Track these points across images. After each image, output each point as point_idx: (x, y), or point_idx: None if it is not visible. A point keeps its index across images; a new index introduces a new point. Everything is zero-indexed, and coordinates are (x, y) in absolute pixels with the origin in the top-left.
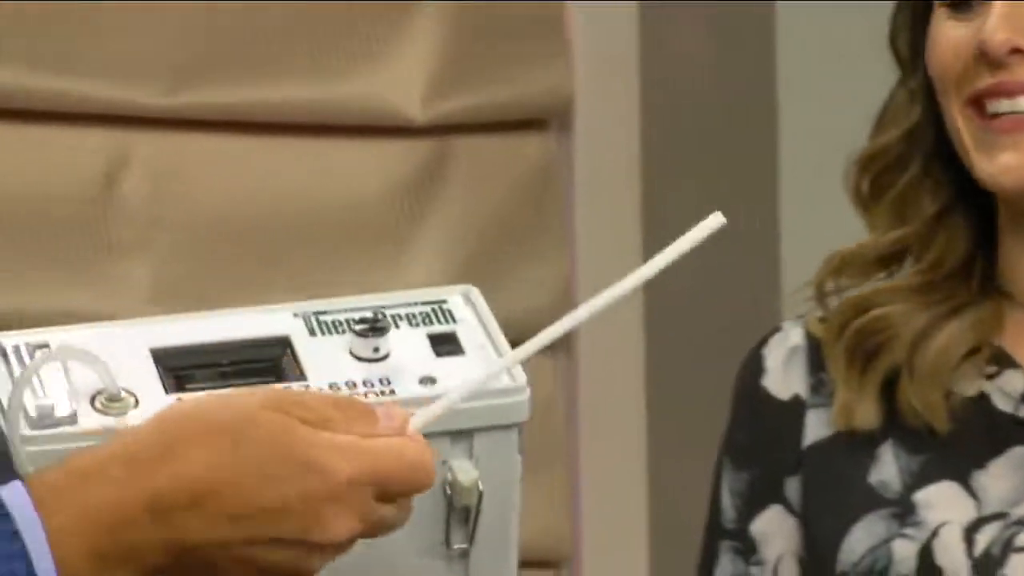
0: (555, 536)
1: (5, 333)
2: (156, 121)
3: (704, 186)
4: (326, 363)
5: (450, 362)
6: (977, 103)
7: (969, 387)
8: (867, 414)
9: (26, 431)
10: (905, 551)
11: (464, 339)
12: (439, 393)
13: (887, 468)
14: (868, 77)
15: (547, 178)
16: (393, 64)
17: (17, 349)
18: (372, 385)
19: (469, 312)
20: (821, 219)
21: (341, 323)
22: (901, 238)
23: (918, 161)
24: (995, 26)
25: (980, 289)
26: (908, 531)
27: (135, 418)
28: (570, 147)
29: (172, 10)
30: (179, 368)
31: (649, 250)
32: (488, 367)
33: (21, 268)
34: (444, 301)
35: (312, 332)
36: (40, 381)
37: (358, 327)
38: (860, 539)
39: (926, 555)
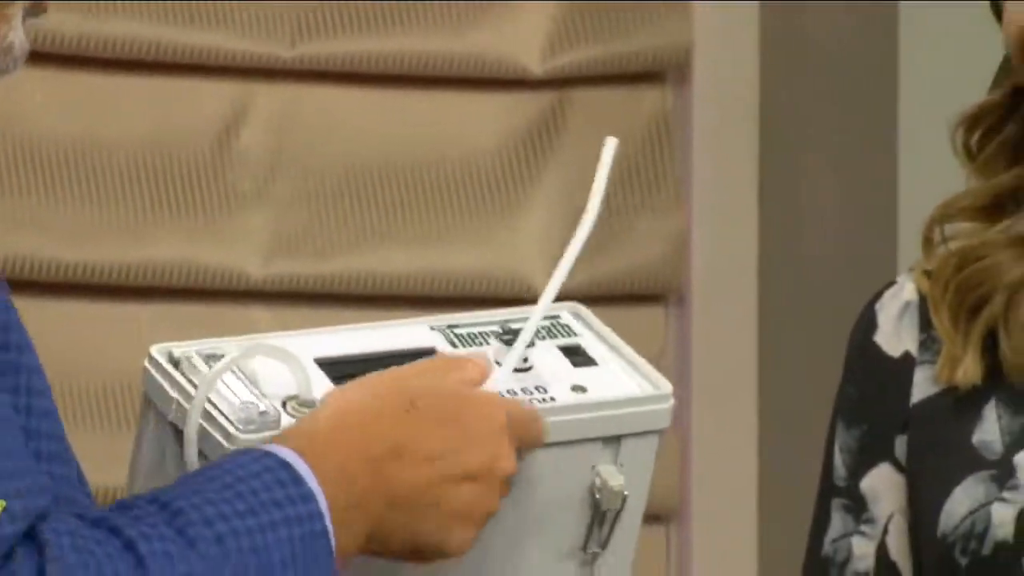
0: (664, 490)
1: (177, 344)
2: (277, 72)
3: (822, 141)
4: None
5: (589, 371)
6: None
7: None
8: (970, 370)
9: (233, 431)
10: (1004, 515)
11: (590, 351)
12: (590, 401)
13: (990, 428)
14: (990, 32)
15: (664, 131)
16: (512, 17)
17: (189, 359)
18: (530, 393)
19: (582, 326)
20: (939, 169)
21: (476, 335)
22: (1000, 185)
23: (1020, 118)
24: (1011, 11)
25: None
26: (1007, 495)
27: None
28: (688, 99)
29: None
30: (342, 376)
31: (765, 205)
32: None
33: (145, 218)
34: (558, 317)
35: (453, 343)
36: (225, 384)
37: (505, 337)
38: (960, 501)
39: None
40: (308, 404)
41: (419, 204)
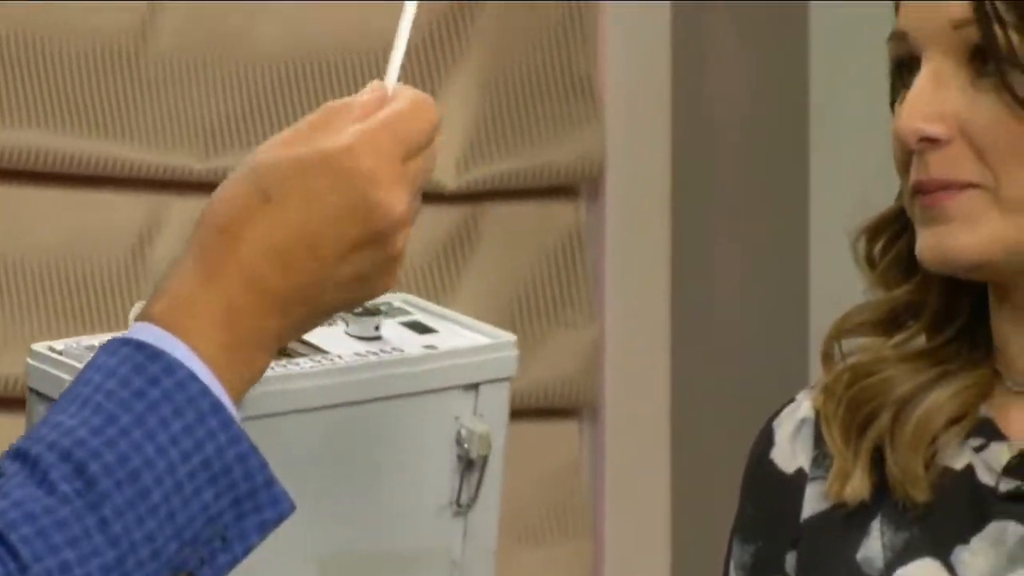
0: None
1: (54, 341)
2: (190, 184)
3: (733, 252)
4: (331, 342)
5: (434, 335)
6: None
7: (957, 459)
8: (858, 487)
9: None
10: None
11: (430, 323)
12: (441, 350)
13: (873, 544)
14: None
15: (577, 244)
16: None
17: (71, 348)
18: (384, 352)
19: (415, 308)
20: (849, 269)
21: (332, 321)
22: (896, 300)
23: (909, 231)
24: (904, 115)
25: (976, 357)
26: None
27: None
28: (601, 213)
29: (205, 77)
30: None
31: (677, 317)
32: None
33: (56, 328)
34: (391, 303)
35: None
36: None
37: (359, 313)
38: None
39: None
40: None
41: None
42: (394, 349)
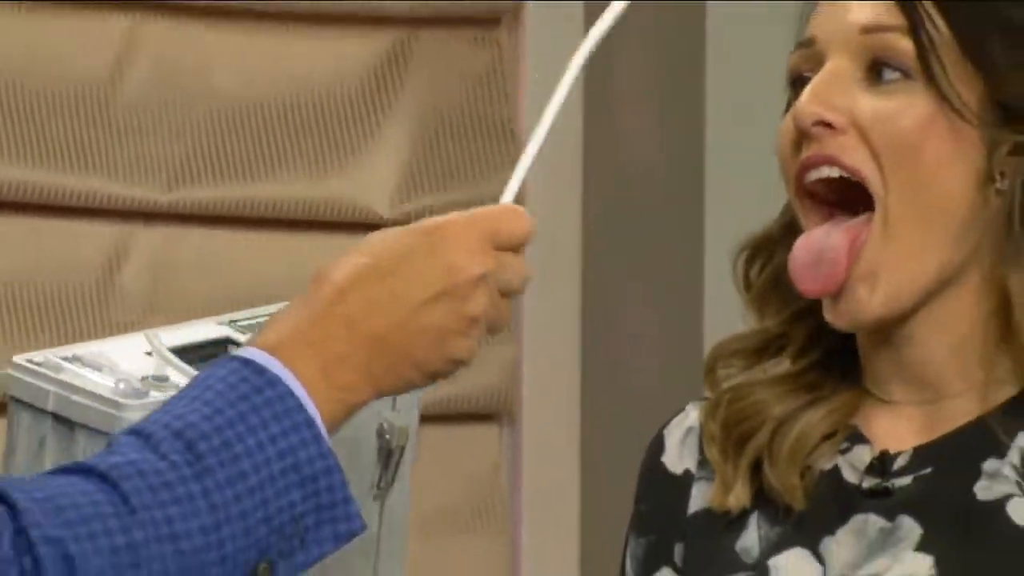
0: None
1: (33, 353)
2: (154, 215)
3: (637, 281)
4: None
5: None
6: (802, 183)
7: (825, 462)
8: (740, 496)
9: (122, 401)
10: None
11: None
12: None
13: (750, 536)
14: None
15: None
16: (364, 167)
17: (48, 360)
18: None
19: None
20: (740, 298)
21: (257, 327)
22: (767, 331)
23: (784, 254)
24: (803, 100)
25: (843, 379)
26: None
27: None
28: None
29: (168, 119)
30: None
31: (587, 336)
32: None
33: (29, 344)
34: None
35: (241, 332)
36: (83, 376)
37: None
38: None
39: None
40: (161, 378)
41: None
42: None
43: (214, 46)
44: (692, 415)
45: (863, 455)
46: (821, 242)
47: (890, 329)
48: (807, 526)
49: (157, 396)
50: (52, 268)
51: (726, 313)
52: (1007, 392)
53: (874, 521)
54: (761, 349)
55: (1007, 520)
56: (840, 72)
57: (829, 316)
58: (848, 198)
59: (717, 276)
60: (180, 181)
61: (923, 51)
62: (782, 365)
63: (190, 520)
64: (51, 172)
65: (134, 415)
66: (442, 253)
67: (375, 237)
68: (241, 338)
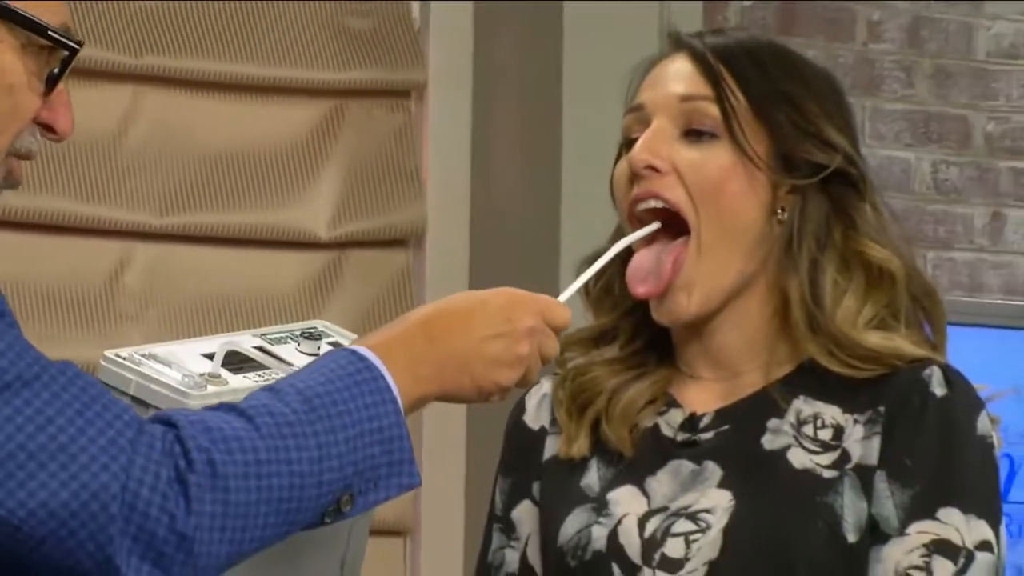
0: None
1: (121, 349)
2: (150, 235)
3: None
4: (291, 357)
5: None
6: (633, 212)
7: (648, 421)
8: (581, 447)
9: (187, 390)
10: (599, 533)
11: (343, 343)
12: None
13: (592, 476)
14: None
15: (406, 279)
16: (308, 202)
17: (131, 355)
18: None
19: (333, 331)
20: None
21: (284, 339)
22: (602, 325)
23: (616, 265)
24: (636, 150)
25: (661, 360)
26: (602, 520)
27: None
28: (422, 259)
29: (162, 160)
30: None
31: None
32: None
33: (56, 330)
34: (315, 327)
35: (272, 344)
36: (156, 369)
37: (304, 337)
38: (571, 524)
39: (613, 536)
40: (215, 376)
41: (244, 322)
42: None
43: (196, 109)
44: (546, 386)
45: (677, 416)
46: (652, 259)
47: (700, 324)
48: (635, 469)
49: (213, 389)
50: (74, 273)
51: (573, 313)
52: (785, 370)
53: (686, 465)
54: (598, 338)
55: (787, 464)
56: (663, 130)
57: (655, 315)
58: (665, 223)
59: (566, 284)
60: (170, 210)
61: (726, 116)
62: (613, 350)
63: (302, 451)
64: (73, 202)
65: (194, 403)
66: (509, 308)
67: (462, 293)
68: (271, 347)
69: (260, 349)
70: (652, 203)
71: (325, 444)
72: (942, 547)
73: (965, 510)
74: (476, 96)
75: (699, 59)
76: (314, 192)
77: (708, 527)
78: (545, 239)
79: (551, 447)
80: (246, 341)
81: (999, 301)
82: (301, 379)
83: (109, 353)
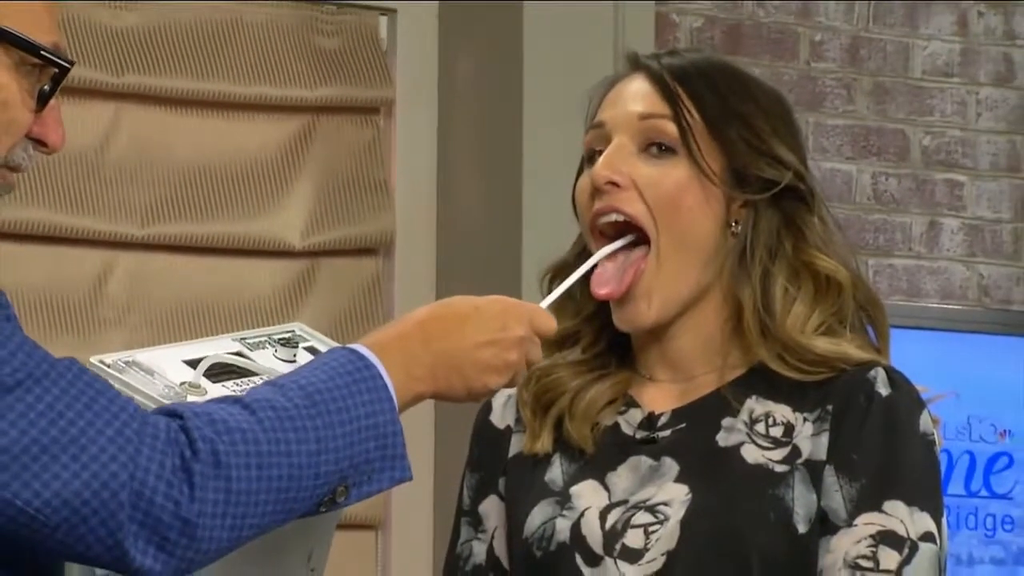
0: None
1: (105, 355)
2: (131, 244)
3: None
4: (269, 363)
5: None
6: (595, 225)
7: (609, 420)
8: (545, 443)
9: (167, 403)
10: (563, 525)
11: (319, 348)
12: None
13: (555, 471)
14: None
15: (377, 284)
16: (282, 213)
17: (116, 361)
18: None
19: (310, 335)
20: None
21: (262, 344)
22: (565, 329)
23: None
24: (598, 166)
25: (621, 363)
26: (566, 512)
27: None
28: (391, 267)
29: (142, 174)
30: (210, 373)
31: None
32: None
33: (41, 335)
34: (293, 331)
35: (250, 349)
36: (136, 376)
37: (280, 343)
38: (536, 516)
39: (576, 528)
40: (195, 385)
41: (222, 327)
42: None
43: (175, 125)
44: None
45: (636, 415)
46: (614, 267)
47: (658, 330)
48: (596, 464)
49: (192, 399)
50: (59, 281)
51: None
52: (737, 372)
53: (645, 461)
54: (561, 342)
55: (741, 459)
56: (623, 147)
57: (617, 322)
58: (622, 233)
59: (530, 293)
60: (150, 221)
61: (683, 133)
62: (575, 353)
63: (301, 444)
64: (59, 214)
65: None
66: (503, 317)
67: (458, 297)
68: (249, 352)
69: (239, 355)
70: (613, 216)
71: (324, 438)
72: (888, 538)
73: (909, 503)
74: (441, 112)
75: (656, 79)
76: (288, 203)
77: (666, 519)
78: (507, 247)
79: (516, 444)
80: (226, 346)
81: (936, 305)
82: (303, 375)
83: (94, 359)
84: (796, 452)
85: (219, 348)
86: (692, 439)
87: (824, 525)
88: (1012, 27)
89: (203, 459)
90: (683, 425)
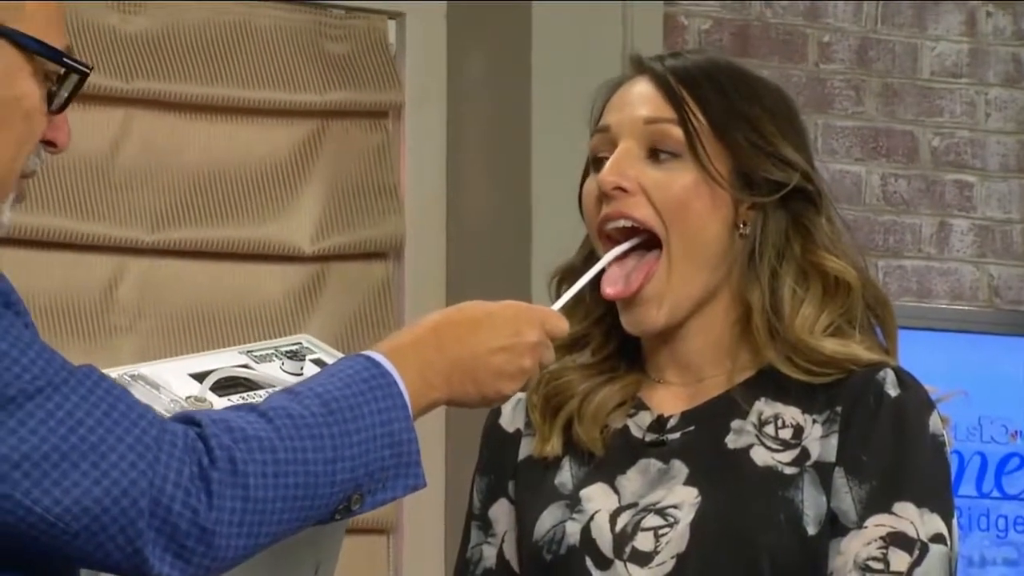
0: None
1: (109, 369)
2: (141, 250)
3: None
4: (276, 375)
5: None
6: (603, 230)
7: (618, 423)
8: (555, 446)
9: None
10: (573, 528)
11: (326, 360)
12: None
13: (565, 474)
14: None
15: (387, 287)
16: (292, 217)
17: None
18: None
19: (316, 347)
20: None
21: (269, 357)
22: (575, 333)
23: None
24: (605, 171)
25: (630, 366)
26: (575, 516)
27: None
28: (401, 270)
29: (152, 180)
30: (217, 386)
31: None
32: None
33: (52, 342)
34: (300, 343)
35: (257, 361)
36: (142, 390)
37: (287, 355)
38: (546, 520)
39: (586, 531)
40: (201, 399)
41: (231, 334)
42: None
43: (184, 130)
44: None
45: (645, 418)
46: (624, 269)
47: (668, 332)
48: (606, 467)
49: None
50: (70, 287)
51: None
52: (746, 374)
53: (654, 464)
54: (570, 345)
55: (750, 461)
56: (630, 152)
57: (626, 325)
58: (630, 238)
59: (540, 295)
60: (160, 226)
61: (689, 137)
62: (585, 356)
63: (318, 452)
64: (69, 220)
65: None
66: (516, 322)
67: (470, 302)
68: (256, 365)
69: (246, 367)
70: (622, 222)
71: (340, 446)
72: (898, 539)
73: (919, 504)
74: (450, 115)
75: (661, 82)
76: (297, 208)
77: (676, 522)
78: (517, 249)
79: (526, 448)
80: (232, 359)
81: (946, 306)
82: (319, 383)
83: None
84: (805, 454)
85: (225, 361)
86: (701, 441)
87: (834, 527)
88: (1021, 27)
89: (221, 467)
90: (692, 427)
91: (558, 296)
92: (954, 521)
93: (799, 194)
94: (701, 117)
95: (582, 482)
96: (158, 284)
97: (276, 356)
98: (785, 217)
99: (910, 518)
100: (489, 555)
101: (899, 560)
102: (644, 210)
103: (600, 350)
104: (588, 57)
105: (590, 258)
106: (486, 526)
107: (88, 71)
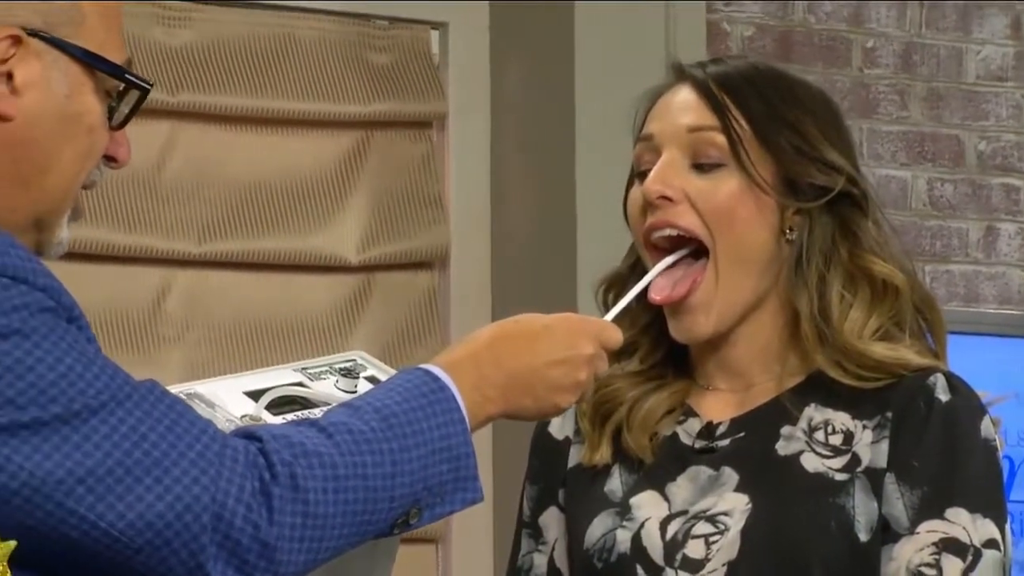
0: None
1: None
2: (189, 262)
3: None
4: (330, 392)
5: None
6: (649, 239)
7: (667, 430)
8: (604, 454)
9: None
10: (624, 536)
11: (380, 377)
12: None
13: (615, 482)
14: None
15: (433, 298)
16: (337, 228)
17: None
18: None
19: (370, 363)
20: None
21: (323, 374)
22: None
23: (633, 283)
24: (649, 181)
25: (678, 373)
26: (626, 523)
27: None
28: (447, 282)
29: (198, 192)
30: (272, 404)
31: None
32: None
33: (111, 351)
34: (354, 360)
35: (312, 379)
36: (199, 408)
37: (341, 372)
38: (597, 527)
39: (636, 539)
40: (256, 418)
41: (279, 345)
42: None
43: (230, 143)
44: None
45: (695, 425)
46: (672, 277)
47: (716, 339)
48: (656, 475)
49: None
50: (118, 299)
51: None
52: (796, 380)
53: (704, 471)
54: (618, 353)
55: (801, 468)
56: (674, 160)
57: (674, 333)
58: (677, 246)
59: (585, 304)
60: (207, 238)
61: (733, 145)
62: (633, 363)
63: (377, 467)
64: (116, 232)
65: None
66: (572, 336)
67: (526, 315)
68: (310, 383)
69: (300, 385)
70: (668, 231)
71: (399, 461)
72: (951, 545)
73: (972, 510)
74: (494, 124)
75: (703, 89)
76: (343, 219)
77: (727, 529)
78: (562, 258)
79: (575, 456)
80: (287, 377)
81: (994, 311)
82: (378, 397)
83: None
84: (856, 460)
85: (280, 379)
86: (751, 448)
87: (886, 533)
88: None
89: (282, 482)
90: (742, 434)
91: (605, 304)
92: (1007, 526)
93: (845, 198)
94: (744, 123)
95: (632, 490)
96: (205, 296)
97: (330, 373)
98: (831, 222)
99: (963, 524)
100: (540, 563)
101: (952, 566)
102: (690, 219)
103: (648, 357)
104: (631, 66)
105: (636, 266)
106: (537, 534)
107: (149, 87)
